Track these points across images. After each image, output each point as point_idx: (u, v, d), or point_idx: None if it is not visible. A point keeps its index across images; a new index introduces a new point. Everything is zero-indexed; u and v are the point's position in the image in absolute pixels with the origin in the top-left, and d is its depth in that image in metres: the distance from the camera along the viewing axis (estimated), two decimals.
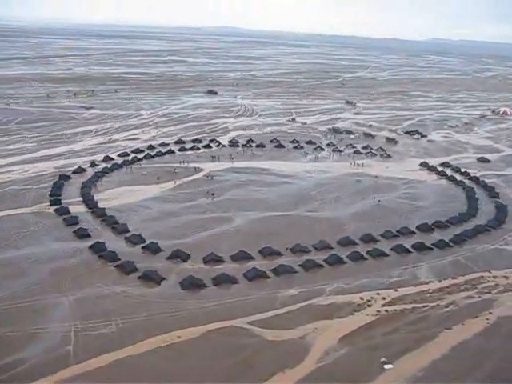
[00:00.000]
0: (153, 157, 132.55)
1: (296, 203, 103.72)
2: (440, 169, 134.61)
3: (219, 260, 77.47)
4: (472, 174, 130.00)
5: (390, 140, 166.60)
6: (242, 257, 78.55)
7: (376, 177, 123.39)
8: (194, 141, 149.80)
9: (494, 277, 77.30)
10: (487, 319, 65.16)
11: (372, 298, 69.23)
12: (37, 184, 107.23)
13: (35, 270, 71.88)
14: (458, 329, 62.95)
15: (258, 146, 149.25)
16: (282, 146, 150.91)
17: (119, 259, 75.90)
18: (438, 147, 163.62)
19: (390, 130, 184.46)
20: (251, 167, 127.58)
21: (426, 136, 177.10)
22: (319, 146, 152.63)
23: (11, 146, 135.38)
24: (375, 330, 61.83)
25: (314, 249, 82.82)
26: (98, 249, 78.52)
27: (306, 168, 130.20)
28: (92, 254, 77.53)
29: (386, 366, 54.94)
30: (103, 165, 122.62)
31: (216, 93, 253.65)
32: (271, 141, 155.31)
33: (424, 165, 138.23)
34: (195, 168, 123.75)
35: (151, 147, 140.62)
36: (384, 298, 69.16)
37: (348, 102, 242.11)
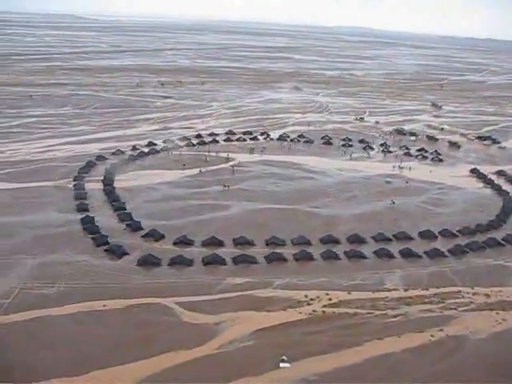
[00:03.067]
0: (194, 145, 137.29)
1: (305, 198, 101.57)
2: (490, 177, 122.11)
3: (189, 243, 79.31)
4: None
5: (452, 144, 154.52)
6: (213, 243, 79.56)
7: (407, 182, 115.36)
8: (244, 133, 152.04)
9: (474, 293, 69.47)
10: (432, 336, 59.16)
11: (318, 297, 66.35)
12: (75, 162, 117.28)
13: (23, 234, 79.81)
14: (390, 341, 58.11)
15: (306, 142, 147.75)
16: (331, 143, 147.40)
17: (99, 233, 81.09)
18: (505, 155, 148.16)
19: (462, 134, 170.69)
20: (284, 161, 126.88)
21: (499, 142, 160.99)
22: (369, 145, 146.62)
23: (74, 128, 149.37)
24: (298, 328, 59.49)
25: (290, 243, 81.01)
26: (87, 221, 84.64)
27: (341, 166, 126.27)
28: (80, 225, 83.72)
29: (281, 365, 52.90)
30: (143, 149, 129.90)
31: (301, 89, 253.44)
32: (322, 137, 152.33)
33: (475, 171, 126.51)
34: (227, 158, 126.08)
35: (199, 136, 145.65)
36: (330, 299, 65.89)
37: (433, 105, 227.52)
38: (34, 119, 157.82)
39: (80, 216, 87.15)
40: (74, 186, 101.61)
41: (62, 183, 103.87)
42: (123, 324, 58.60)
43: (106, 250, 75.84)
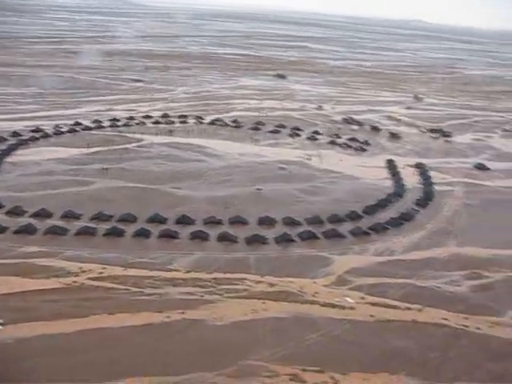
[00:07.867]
0: (118, 126, 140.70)
1: (175, 179, 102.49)
2: (402, 169, 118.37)
3: (19, 214, 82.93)
4: (435, 180, 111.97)
5: (393, 135, 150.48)
6: (42, 214, 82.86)
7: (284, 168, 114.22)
8: (179, 116, 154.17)
9: (258, 282, 67.73)
10: (168, 317, 58.35)
11: (91, 270, 67.79)
12: None
13: None
14: (121, 317, 57.24)
15: (234, 127, 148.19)
16: (258, 129, 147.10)
17: None
18: (443, 148, 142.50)
19: (417, 127, 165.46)
20: (191, 144, 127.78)
21: (449, 136, 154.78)
22: (296, 133, 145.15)
23: (21, 107, 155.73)
24: (42, 296, 60.62)
25: (115, 219, 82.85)
26: None
27: (247, 151, 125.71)
28: None
29: None
30: (64, 128, 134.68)
31: (284, 77, 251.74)
32: (256, 123, 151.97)
33: (389, 162, 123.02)
34: (137, 139, 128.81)
35: (130, 118, 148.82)
36: (101, 273, 67.16)
37: (415, 97, 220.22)
38: None
39: None
40: None
41: None
42: None
43: None
